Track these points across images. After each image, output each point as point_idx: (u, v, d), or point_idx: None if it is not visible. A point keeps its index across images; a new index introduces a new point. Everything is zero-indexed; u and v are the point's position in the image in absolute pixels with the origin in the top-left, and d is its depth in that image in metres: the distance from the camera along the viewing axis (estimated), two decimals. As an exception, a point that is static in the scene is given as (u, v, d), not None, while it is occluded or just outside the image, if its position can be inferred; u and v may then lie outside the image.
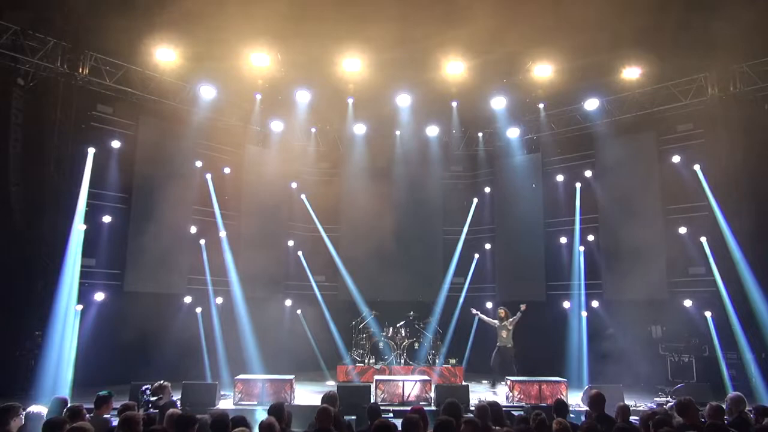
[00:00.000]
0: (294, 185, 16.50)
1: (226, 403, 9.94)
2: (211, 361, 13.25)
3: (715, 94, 12.73)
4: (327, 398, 5.96)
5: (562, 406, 5.82)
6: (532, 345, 14.39)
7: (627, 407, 5.74)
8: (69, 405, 5.59)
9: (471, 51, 12.46)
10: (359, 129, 16.09)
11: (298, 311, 15.72)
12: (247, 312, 14.02)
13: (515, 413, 6.91)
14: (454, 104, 15.31)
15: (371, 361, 13.58)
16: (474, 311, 13.40)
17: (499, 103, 14.85)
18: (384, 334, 13.79)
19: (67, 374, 10.91)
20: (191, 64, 12.62)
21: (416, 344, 13.85)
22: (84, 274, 11.84)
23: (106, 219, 12.67)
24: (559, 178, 15.73)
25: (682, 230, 13.38)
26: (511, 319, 12.60)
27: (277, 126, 15.69)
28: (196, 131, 14.23)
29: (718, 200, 12.44)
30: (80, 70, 12.10)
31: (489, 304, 16.26)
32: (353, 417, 6.93)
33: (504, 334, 12.51)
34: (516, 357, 12.53)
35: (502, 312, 12.74)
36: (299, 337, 15.07)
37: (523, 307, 12.66)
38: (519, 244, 15.90)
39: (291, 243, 16.26)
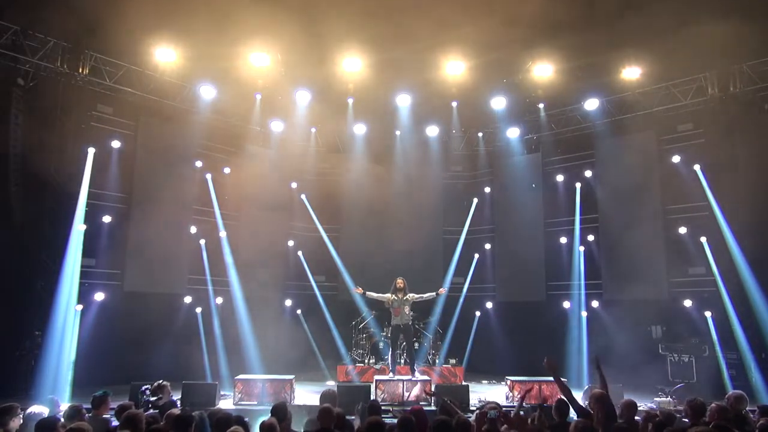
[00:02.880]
0: (294, 185, 16.49)
1: (226, 403, 9.94)
2: (211, 361, 13.24)
3: (715, 94, 12.72)
4: (326, 397, 5.95)
5: (563, 406, 5.80)
6: (532, 345, 14.40)
7: (633, 403, 5.60)
8: (70, 405, 5.58)
9: (471, 51, 12.45)
10: (359, 129, 16.08)
11: (298, 311, 15.71)
12: (247, 312, 14.02)
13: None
14: (454, 104, 15.31)
15: (371, 361, 13.57)
16: (357, 290, 11.65)
17: (499, 103, 14.84)
18: (384, 334, 13.77)
19: (67, 374, 10.91)
20: (191, 64, 12.63)
21: (416, 344, 13.84)
22: (84, 274, 11.84)
23: (106, 219, 12.67)
24: (559, 178, 15.73)
25: (682, 230, 13.37)
26: (413, 294, 11.28)
27: (277, 126, 15.69)
28: (196, 131, 14.23)
29: (718, 200, 12.44)
30: (80, 70, 12.10)
31: (489, 304, 16.29)
32: (353, 417, 6.93)
33: (407, 310, 11.16)
34: (418, 339, 11.18)
35: (400, 282, 11.33)
36: (299, 337, 15.06)
37: (441, 290, 11.82)
38: (519, 244, 15.90)
39: (291, 243, 16.25)
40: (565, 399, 5.58)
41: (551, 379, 10.70)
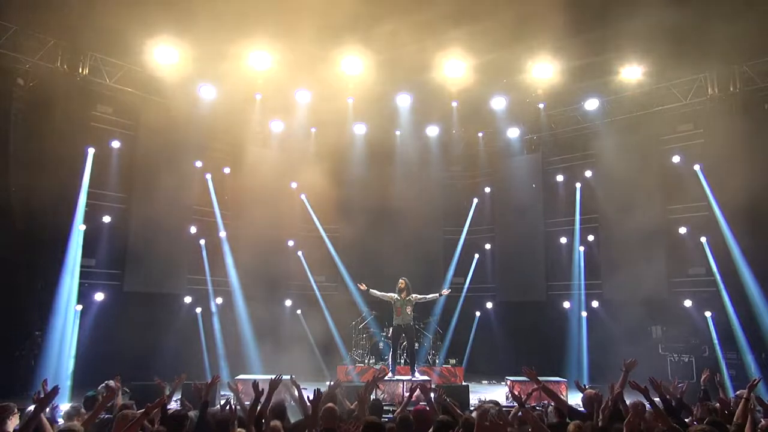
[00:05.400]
0: (294, 185, 16.48)
1: (226, 403, 9.92)
2: (211, 361, 13.25)
3: (715, 94, 12.72)
4: (327, 397, 5.92)
5: (562, 406, 5.79)
6: (532, 345, 14.42)
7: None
8: (71, 405, 5.58)
9: (471, 51, 12.45)
10: (359, 129, 16.08)
11: (298, 311, 15.70)
12: (247, 312, 14.01)
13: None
14: (454, 104, 15.30)
15: (371, 361, 13.57)
16: (361, 286, 11.52)
17: (499, 103, 14.85)
18: (384, 334, 13.77)
19: (67, 374, 10.91)
20: (191, 64, 12.62)
21: (416, 344, 13.83)
22: (84, 274, 11.86)
23: (106, 219, 12.68)
24: (559, 178, 15.74)
25: (682, 230, 13.37)
26: (416, 295, 11.23)
27: (277, 126, 15.68)
28: (196, 131, 14.23)
29: (718, 200, 12.44)
30: (80, 70, 12.10)
31: (489, 304, 16.28)
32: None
33: (408, 310, 11.10)
34: (418, 339, 11.27)
35: (402, 283, 11.25)
36: (299, 337, 15.05)
37: (444, 291, 12.04)
38: (519, 244, 15.89)
39: (291, 243, 16.24)
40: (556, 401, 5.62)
41: (551, 379, 10.74)
